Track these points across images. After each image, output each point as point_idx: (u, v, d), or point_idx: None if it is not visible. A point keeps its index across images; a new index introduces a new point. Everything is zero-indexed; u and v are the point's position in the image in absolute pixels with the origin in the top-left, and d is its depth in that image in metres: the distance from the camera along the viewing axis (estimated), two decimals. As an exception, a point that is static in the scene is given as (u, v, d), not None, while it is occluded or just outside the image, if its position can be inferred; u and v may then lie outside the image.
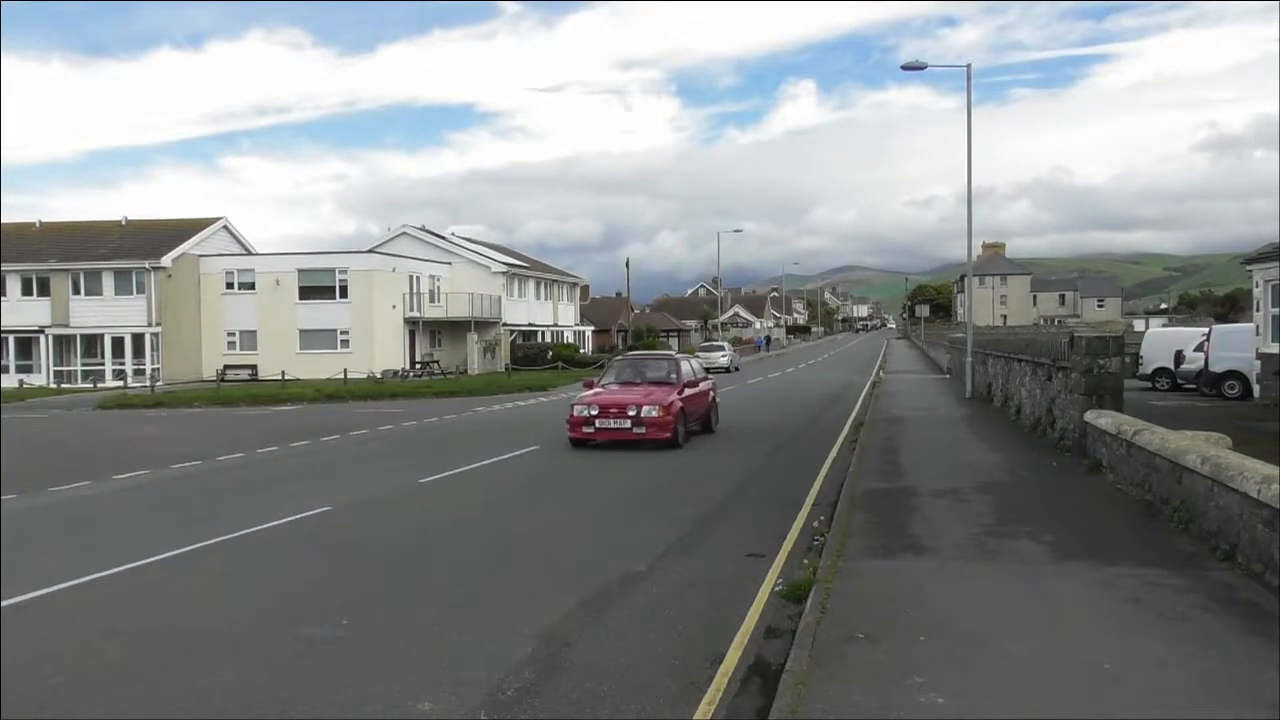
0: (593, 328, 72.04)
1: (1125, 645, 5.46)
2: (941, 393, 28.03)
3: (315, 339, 44.47)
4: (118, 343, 43.76)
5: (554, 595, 7.37)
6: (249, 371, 43.42)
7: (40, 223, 50.52)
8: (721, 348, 53.70)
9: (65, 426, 25.31)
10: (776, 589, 7.55)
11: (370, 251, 49.05)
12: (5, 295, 44.16)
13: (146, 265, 43.32)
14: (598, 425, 16.47)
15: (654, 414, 16.36)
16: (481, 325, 51.93)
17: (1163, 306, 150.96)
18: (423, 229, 56.67)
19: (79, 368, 44.18)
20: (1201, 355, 25.78)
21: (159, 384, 39.36)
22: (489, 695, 5.39)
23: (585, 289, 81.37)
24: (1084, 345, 12.70)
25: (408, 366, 46.56)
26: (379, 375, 41.15)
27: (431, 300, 50.49)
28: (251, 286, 45.25)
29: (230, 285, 45.35)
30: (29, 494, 12.98)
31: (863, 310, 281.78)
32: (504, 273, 54.98)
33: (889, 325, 70.13)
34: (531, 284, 60.42)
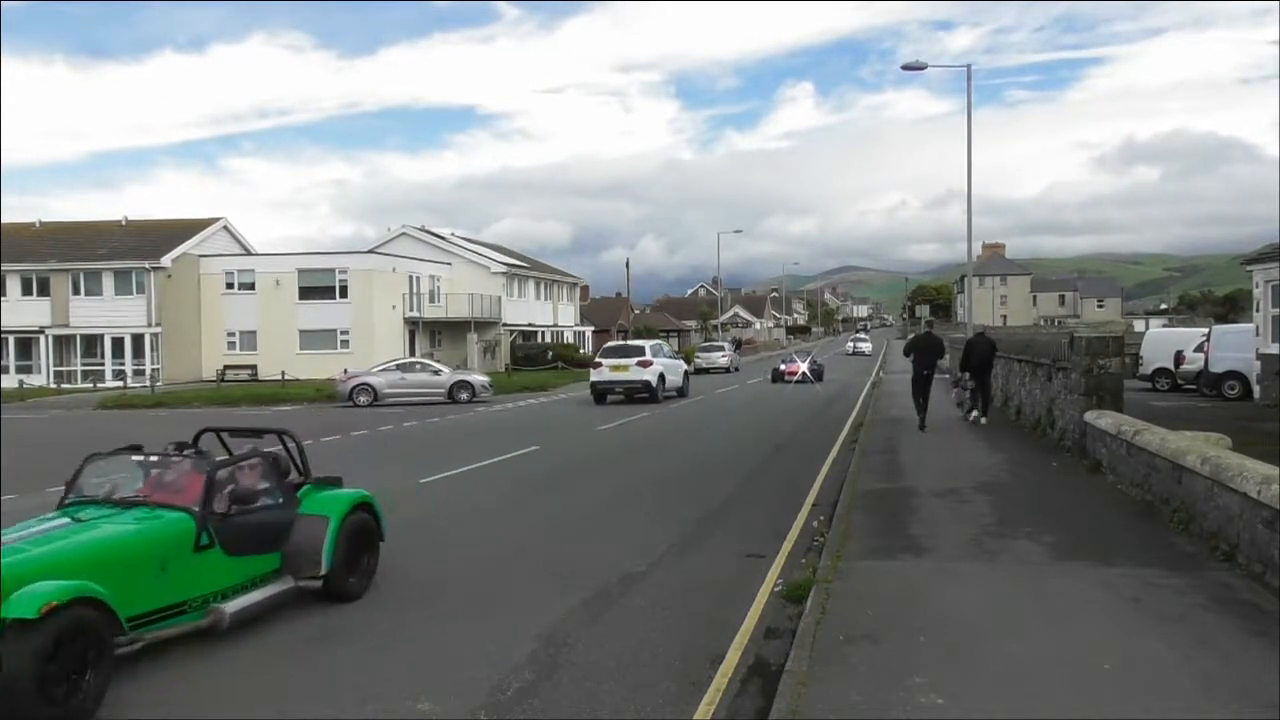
0: (593, 328, 71.98)
1: (1125, 645, 5.46)
2: (941, 393, 27.96)
3: (315, 339, 44.40)
4: (118, 343, 43.67)
5: (554, 595, 7.37)
6: (249, 371, 43.35)
7: (40, 223, 50.37)
8: (721, 348, 53.73)
9: (65, 427, 25.30)
10: (776, 589, 7.55)
11: (370, 251, 48.98)
12: (5, 295, 44.07)
13: (146, 265, 43.25)
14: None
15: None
16: (481, 325, 51.88)
17: (1163, 307, 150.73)
18: (422, 229, 56.59)
19: (79, 368, 44.09)
20: (1201, 356, 25.74)
21: (159, 384, 39.31)
22: (489, 695, 5.39)
23: (585, 289, 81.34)
24: (1084, 345, 12.69)
25: (408, 366, 46.50)
26: (379, 375, 41.09)
27: (431, 300, 50.43)
28: (251, 286, 45.17)
29: (230, 285, 45.26)
30: (29, 494, 12.96)
31: (862, 310, 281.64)
32: (504, 273, 54.94)
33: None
34: (531, 284, 60.38)
